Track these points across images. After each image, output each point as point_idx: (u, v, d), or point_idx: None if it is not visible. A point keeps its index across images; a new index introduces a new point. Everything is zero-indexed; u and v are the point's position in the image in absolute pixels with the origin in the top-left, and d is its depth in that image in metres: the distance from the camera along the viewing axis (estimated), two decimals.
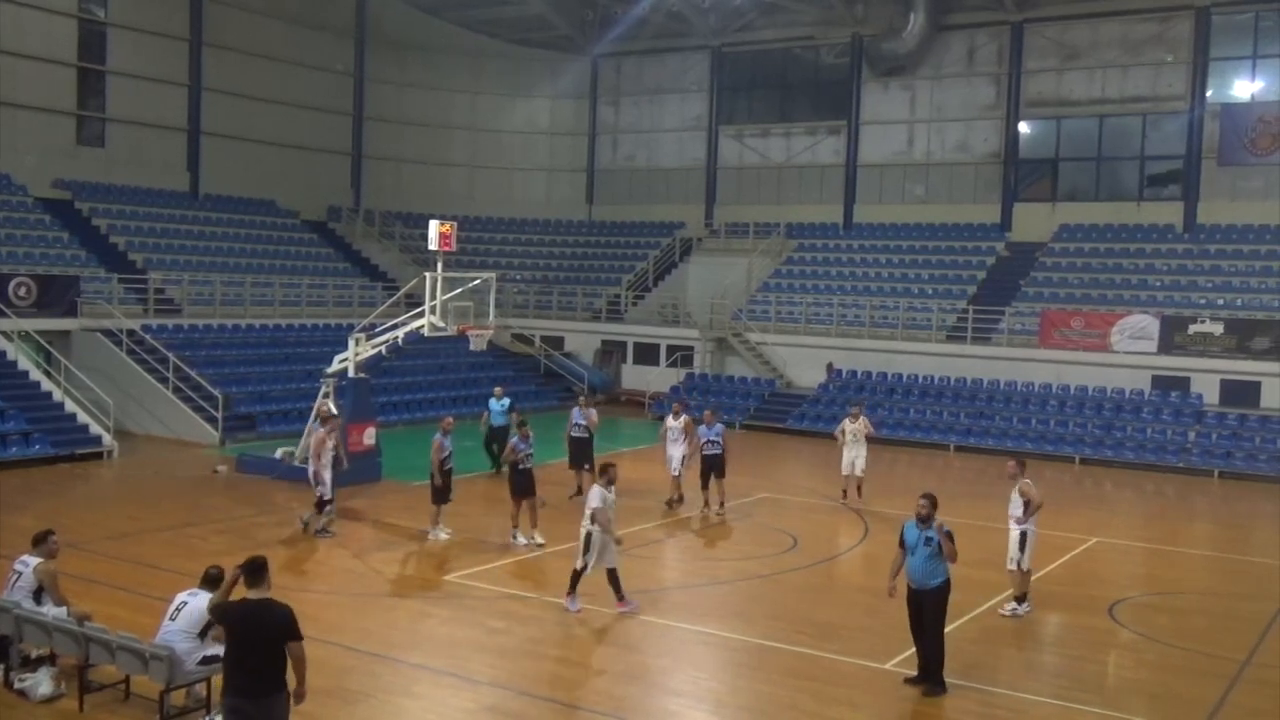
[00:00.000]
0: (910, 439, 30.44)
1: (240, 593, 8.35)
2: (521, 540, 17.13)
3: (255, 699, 8.02)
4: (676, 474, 20.78)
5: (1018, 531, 14.14)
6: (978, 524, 17.95)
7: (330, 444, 17.69)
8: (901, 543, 11.59)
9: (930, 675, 11.46)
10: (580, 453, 20.93)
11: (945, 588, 11.45)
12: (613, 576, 13.69)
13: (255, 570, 8.26)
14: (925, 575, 11.37)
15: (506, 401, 23.32)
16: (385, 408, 28.79)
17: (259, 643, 8.04)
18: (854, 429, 21.23)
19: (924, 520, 11.46)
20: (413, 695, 11.09)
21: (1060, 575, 16.47)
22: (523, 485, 17.13)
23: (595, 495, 13.57)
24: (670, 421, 21.20)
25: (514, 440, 17.66)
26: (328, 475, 17.46)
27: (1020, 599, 14.26)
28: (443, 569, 15.87)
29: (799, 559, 17.19)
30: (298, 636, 8.13)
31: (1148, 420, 29.25)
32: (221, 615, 8.46)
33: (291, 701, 8.21)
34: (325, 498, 17.50)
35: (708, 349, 36.59)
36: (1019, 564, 14.13)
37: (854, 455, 21.15)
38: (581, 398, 23.05)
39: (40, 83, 33.09)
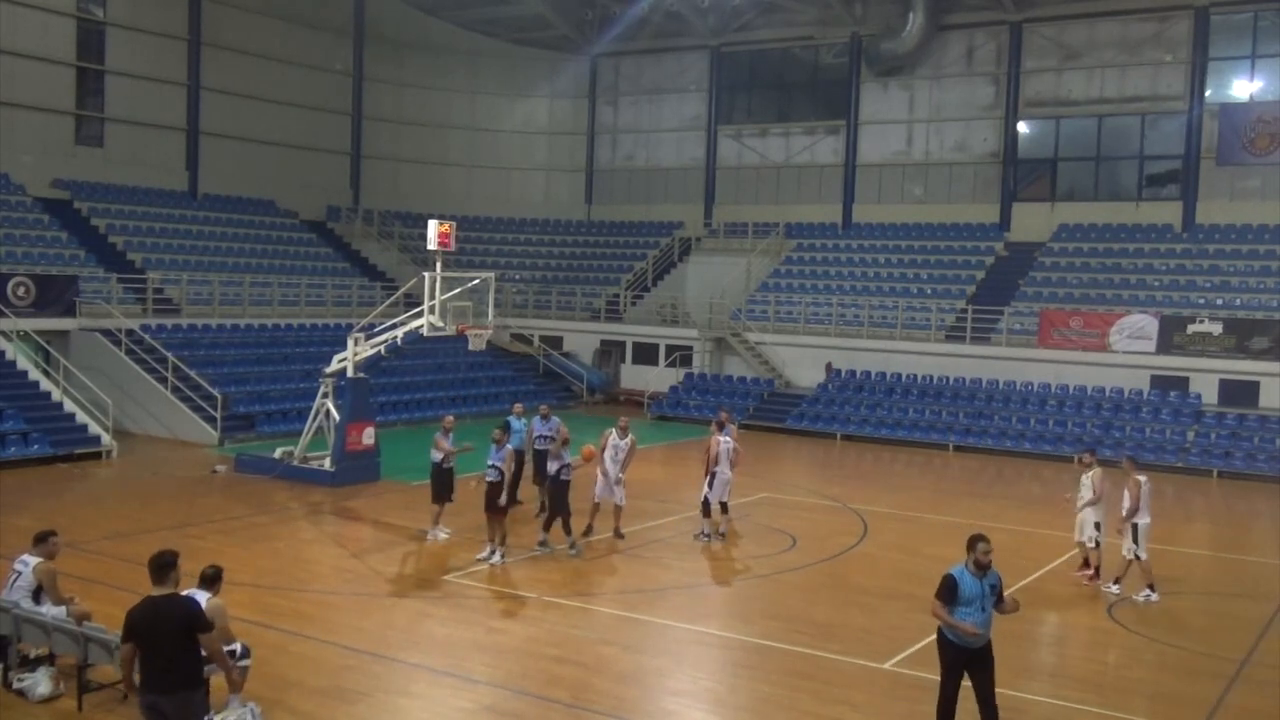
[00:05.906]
0: (909, 439, 30.50)
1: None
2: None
3: (167, 694, 7.82)
4: (599, 500, 17.49)
5: (1129, 525, 15.15)
6: (977, 524, 17.94)
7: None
8: (955, 598, 9.19)
9: None
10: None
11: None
12: None
13: (159, 567, 8.02)
14: (989, 628, 9.40)
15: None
16: (384, 407, 28.82)
17: (163, 638, 7.81)
18: (1091, 480, 15.99)
19: (983, 567, 9.28)
20: (411, 695, 11.08)
21: (1060, 574, 16.49)
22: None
23: None
24: (614, 439, 17.47)
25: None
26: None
27: (1151, 586, 15.14)
28: (442, 569, 15.87)
29: (798, 559, 17.19)
30: (205, 628, 7.98)
31: (1146, 420, 29.27)
32: (125, 620, 8.00)
33: (228, 687, 8.25)
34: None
35: (706, 349, 36.60)
36: (1135, 555, 15.10)
37: (1097, 518, 15.91)
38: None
39: (39, 82, 33.08)
